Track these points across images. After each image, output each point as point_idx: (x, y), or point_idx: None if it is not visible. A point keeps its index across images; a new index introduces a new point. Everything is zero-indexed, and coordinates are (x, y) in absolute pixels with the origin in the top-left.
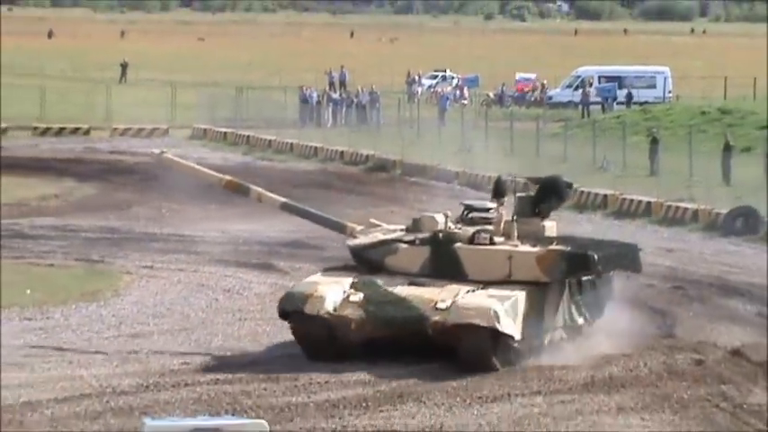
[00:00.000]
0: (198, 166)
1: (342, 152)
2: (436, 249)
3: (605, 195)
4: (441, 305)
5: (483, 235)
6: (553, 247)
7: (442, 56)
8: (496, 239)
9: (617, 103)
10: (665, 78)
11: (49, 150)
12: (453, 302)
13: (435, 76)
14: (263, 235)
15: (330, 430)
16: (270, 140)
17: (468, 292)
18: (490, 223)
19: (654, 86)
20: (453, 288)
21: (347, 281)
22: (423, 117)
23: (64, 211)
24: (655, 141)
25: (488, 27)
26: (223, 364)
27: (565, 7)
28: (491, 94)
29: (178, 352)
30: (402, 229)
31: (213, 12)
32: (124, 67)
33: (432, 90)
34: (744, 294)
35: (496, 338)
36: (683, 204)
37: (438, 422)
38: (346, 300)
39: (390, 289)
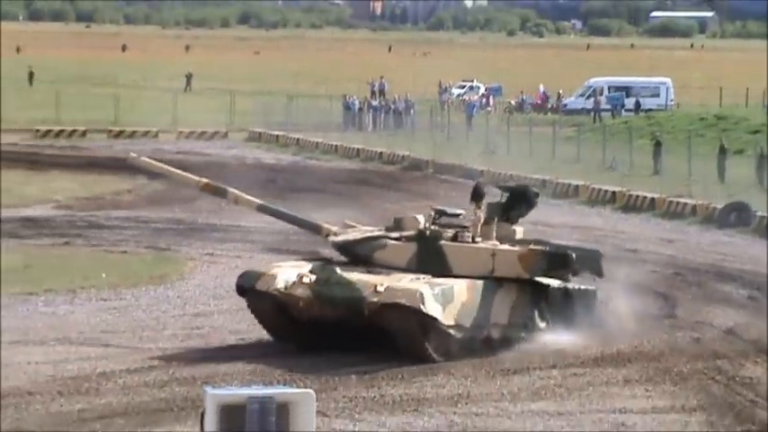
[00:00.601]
0: (173, 169)
1: (380, 153)
2: (423, 245)
3: (614, 192)
4: (379, 288)
5: (466, 234)
6: (534, 246)
7: (470, 68)
8: (477, 239)
9: (625, 110)
10: (667, 88)
11: (122, 151)
12: (389, 285)
13: (463, 86)
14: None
15: (370, 398)
16: (317, 142)
17: (413, 279)
18: (463, 227)
19: (657, 95)
20: (401, 276)
21: (308, 266)
22: (452, 122)
23: (135, 205)
24: (658, 144)
25: (510, 42)
26: (274, 341)
27: (578, 25)
28: (513, 102)
29: (235, 329)
30: (380, 230)
31: (267, 28)
32: (189, 77)
33: (460, 98)
34: (736, 280)
35: (425, 322)
36: (682, 200)
37: (465, 391)
38: (299, 280)
39: (344, 274)
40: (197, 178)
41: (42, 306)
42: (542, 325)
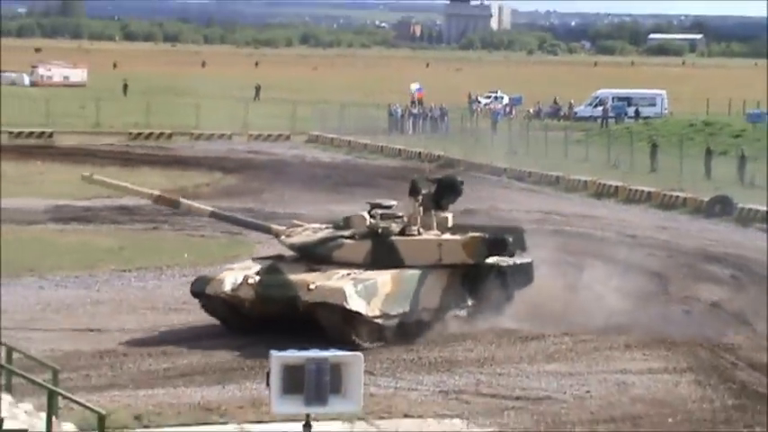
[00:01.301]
0: (126, 185)
1: (419, 153)
2: (376, 242)
3: (617, 186)
4: (311, 287)
5: (413, 227)
6: (474, 234)
7: (495, 81)
8: (421, 230)
9: (626, 118)
10: (662, 99)
11: (201, 151)
12: (318, 285)
13: (490, 96)
14: (354, 212)
15: (409, 360)
16: (365, 144)
17: (344, 276)
18: (398, 216)
19: (654, 105)
20: (334, 273)
21: (257, 267)
22: (480, 127)
23: (213, 196)
24: (654, 146)
25: (530, 60)
26: None
27: (587, 45)
28: (531, 110)
29: None
30: (328, 226)
31: (324, 47)
32: (257, 89)
33: (487, 107)
34: (720, 261)
35: (350, 316)
36: (675, 193)
37: (490, 355)
38: (244, 282)
39: (286, 275)
40: (150, 191)
41: (134, 281)
42: (471, 302)
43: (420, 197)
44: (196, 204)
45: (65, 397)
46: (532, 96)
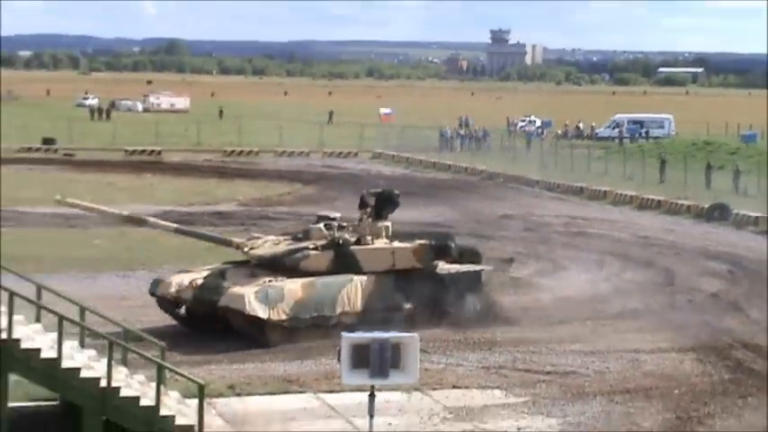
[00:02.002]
0: (97, 206)
1: (466, 167)
2: (337, 252)
3: (631, 195)
4: (228, 293)
5: (368, 237)
6: (422, 241)
7: (529, 107)
8: (375, 240)
9: (639, 138)
10: (669, 122)
11: (284, 165)
12: (232, 291)
13: (525, 120)
14: (424, 218)
15: (457, 340)
16: (421, 160)
17: (265, 282)
18: (343, 227)
19: (662, 127)
20: (257, 281)
21: (206, 273)
22: (516, 146)
23: (293, 203)
24: (663, 162)
25: (558, 89)
26: None
27: (606, 77)
28: (560, 132)
29: None
30: (286, 238)
31: (386, 79)
32: (331, 114)
33: (522, 129)
34: (719, 258)
35: (251, 320)
36: (680, 201)
37: (524, 336)
38: (189, 285)
39: (225, 281)
40: (118, 212)
41: None
42: (407, 306)
43: (369, 209)
44: (161, 222)
45: (171, 370)
46: (560, 120)
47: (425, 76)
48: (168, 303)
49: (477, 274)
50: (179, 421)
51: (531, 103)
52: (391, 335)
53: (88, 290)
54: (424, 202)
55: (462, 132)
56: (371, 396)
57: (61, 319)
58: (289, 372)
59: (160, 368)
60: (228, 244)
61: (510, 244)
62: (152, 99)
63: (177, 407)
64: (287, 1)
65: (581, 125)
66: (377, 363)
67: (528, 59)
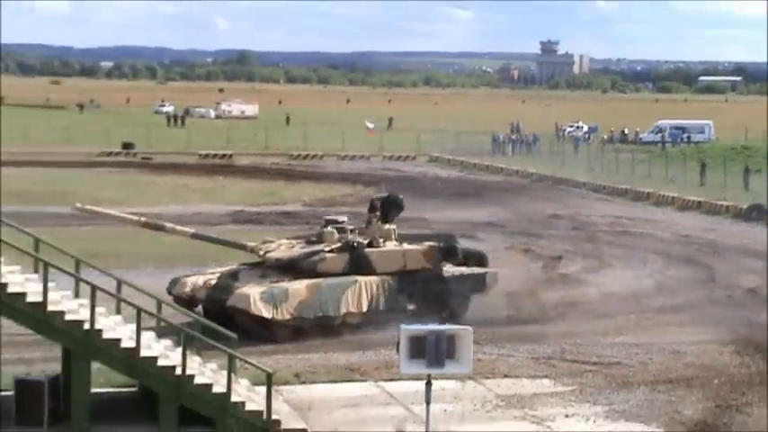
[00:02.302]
0: (115, 212)
1: (517, 170)
2: (352, 254)
3: (673, 197)
4: (236, 292)
5: (379, 239)
6: (431, 243)
7: (577, 114)
8: (386, 243)
9: (681, 142)
10: (709, 128)
11: (346, 168)
12: (239, 291)
13: (572, 126)
14: (478, 217)
15: (508, 333)
16: (475, 163)
17: (262, 285)
18: (351, 230)
19: (703, 132)
20: (264, 282)
21: (217, 275)
22: (564, 150)
23: (355, 204)
24: (703, 165)
25: (604, 97)
26: None
27: (650, 86)
28: (605, 137)
29: None
30: (300, 241)
31: (442, 87)
32: (390, 120)
33: (570, 134)
34: (756, 256)
35: (256, 319)
36: (720, 202)
37: (571, 329)
38: (203, 285)
39: (236, 282)
40: (137, 218)
41: None
42: (410, 306)
43: (378, 213)
44: (178, 227)
45: (241, 359)
46: (606, 126)
47: (479, 84)
48: (184, 302)
49: (482, 276)
50: (248, 407)
51: (578, 110)
52: (447, 327)
53: (164, 284)
54: (478, 203)
55: (514, 137)
56: (428, 384)
57: (139, 311)
58: (351, 361)
59: (231, 357)
60: (243, 248)
61: (558, 242)
62: (224, 106)
63: (247, 394)
64: (350, 15)
65: (626, 130)
66: (433, 353)
67: (576, 69)
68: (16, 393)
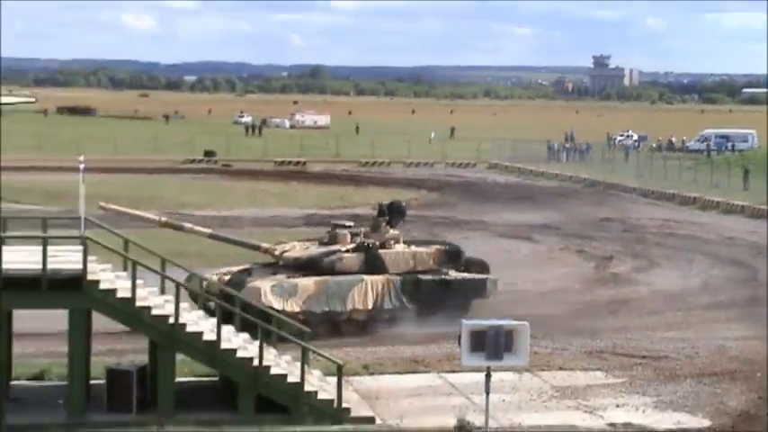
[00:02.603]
0: (136, 211)
1: (571, 176)
2: (367, 254)
3: (718, 201)
4: (247, 286)
5: (391, 242)
6: (438, 246)
7: (627, 123)
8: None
9: (725, 150)
10: (753, 137)
11: (412, 174)
12: (250, 285)
13: (623, 135)
14: (534, 220)
15: (562, 328)
16: (531, 170)
17: (273, 279)
18: (356, 234)
19: (746, 141)
20: (274, 277)
21: (235, 270)
22: (615, 157)
23: (421, 207)
24: (746, 171)
25: (652, 108)
26: None
27: (696, 97)
28: (654, 145)
29: None
30: (314, 242)
31: (501, 99)
32: (452, 130)
33: (620, 143)
34: None
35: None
36: (762, 206)
37: (623, 325)
38: (218, 281)
39: (249, 277)
40: (157, 217)
41: None
42: (414, 307)
43: (386, 218)
44: (196, 228)
45: (313, 351)
46: (655, 135)
47: (535, 96)
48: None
49: (483, 282)
50: (320, 396)
51: (628, 120)
52: (505, 322)
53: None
54: (534, 207)
55: (567, 146)
56: (488, 376)
57: (219, 306)
58: (415, 354)
59: (304, 350)
60: (258, 248)
61: (609, 243)
62: (298, 117)
63: (319, 384)
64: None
65: (673, 139)
66: (492, 347)
67: (626, 81)
68: (107, 382)
